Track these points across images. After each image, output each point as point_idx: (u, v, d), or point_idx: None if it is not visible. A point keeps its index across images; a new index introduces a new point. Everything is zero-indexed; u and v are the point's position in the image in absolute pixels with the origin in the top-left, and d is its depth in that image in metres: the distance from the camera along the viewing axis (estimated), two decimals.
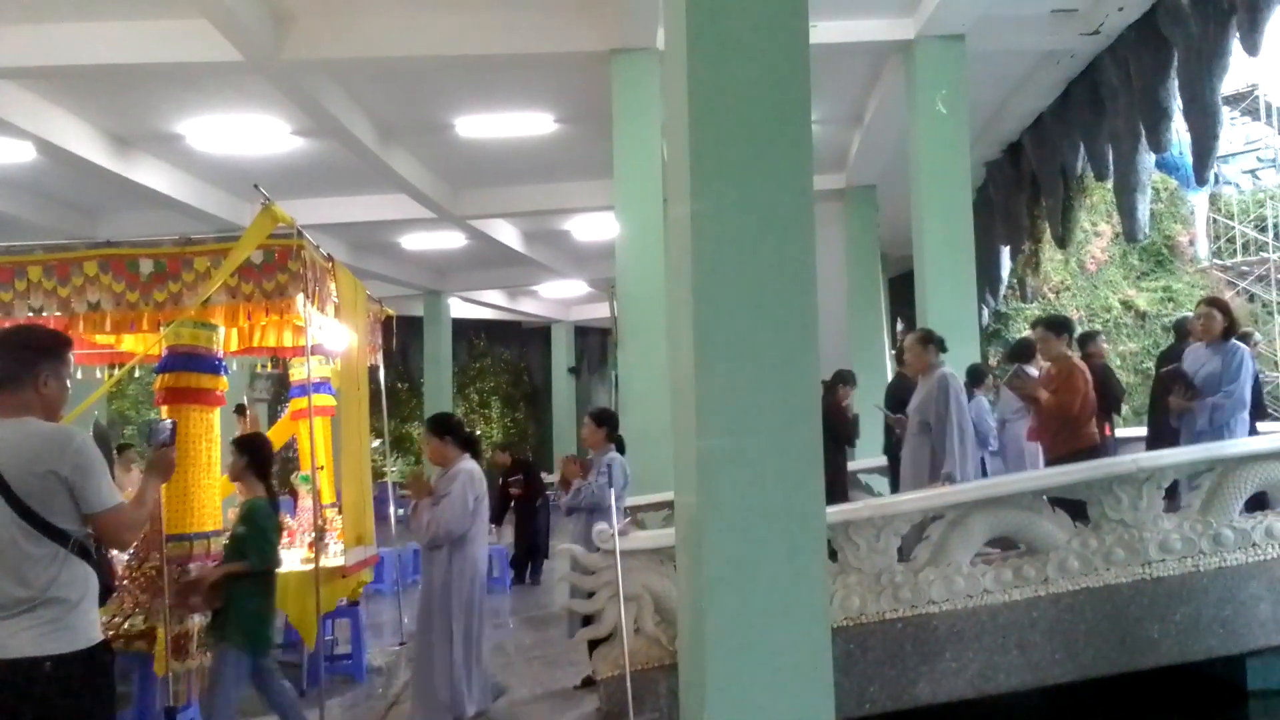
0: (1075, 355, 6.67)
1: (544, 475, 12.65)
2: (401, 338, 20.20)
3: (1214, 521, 5.18)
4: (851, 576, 5.07)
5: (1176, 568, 5.09)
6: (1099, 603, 5.04)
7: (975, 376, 8.18)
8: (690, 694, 4.09)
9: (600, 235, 14.60)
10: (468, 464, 5.38)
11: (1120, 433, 8.70)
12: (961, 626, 4.98)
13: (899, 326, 19.57)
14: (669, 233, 4.44)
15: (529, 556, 10.97)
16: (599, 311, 21.07)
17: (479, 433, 24.06)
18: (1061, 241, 13.45)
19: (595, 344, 25.51)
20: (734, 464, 3.86)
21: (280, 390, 17.87)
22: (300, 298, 5.39)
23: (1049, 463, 6.22)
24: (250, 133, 10.55)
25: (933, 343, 6.28)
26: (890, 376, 15.09)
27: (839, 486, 7.42)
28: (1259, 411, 7.33)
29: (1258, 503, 5.46)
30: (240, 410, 7.60)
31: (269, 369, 9.06)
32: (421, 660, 5.23)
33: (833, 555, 5.06)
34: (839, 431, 7.74)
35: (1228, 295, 19.83)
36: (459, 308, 21.42)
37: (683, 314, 4.11)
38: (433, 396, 20.22)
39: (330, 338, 6.44)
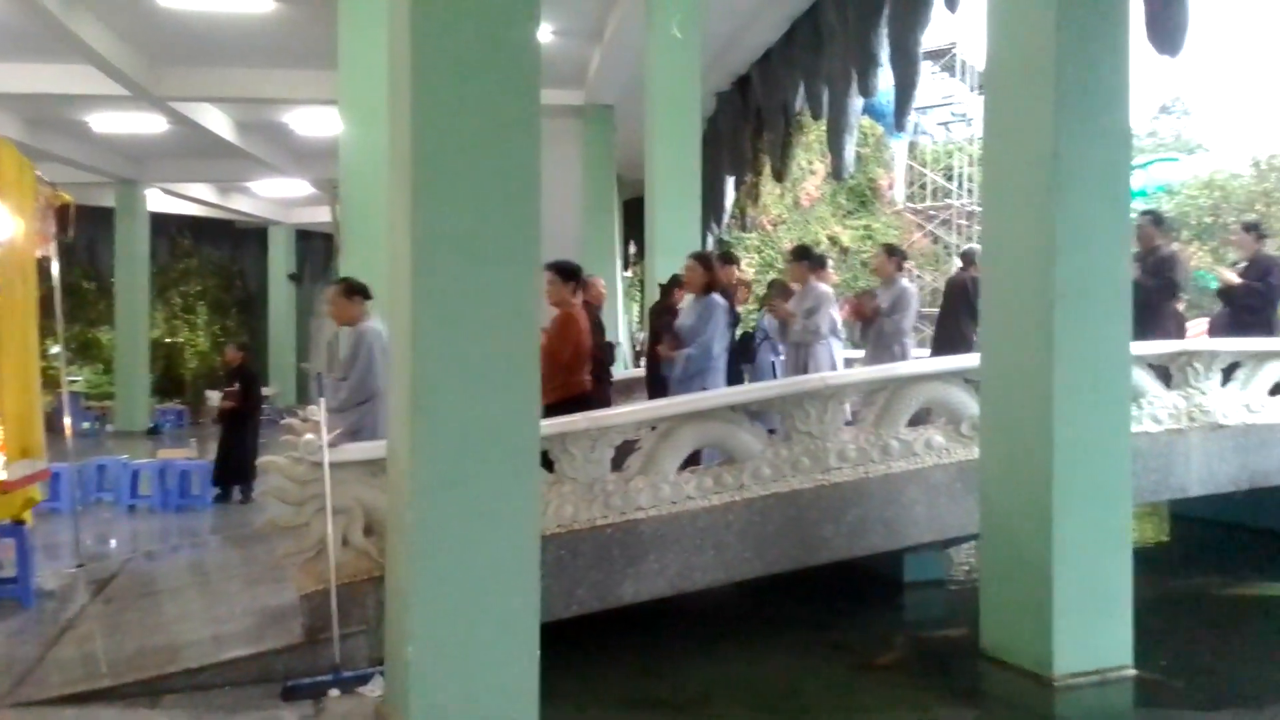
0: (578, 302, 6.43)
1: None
2: (87, 230, 17.97)
3: (884, 433, 5.81)
4: (566, 486, 5.21)
5: (851, 474, 5.67)
6: (785, 506, 5.53)
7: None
8: (395, 602, 4.06)
9: (324, 131, 13.66)
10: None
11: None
12: (665, 531, 5.28)
13: (632, 249, 20.11)
14: (391, 130, 4.22)
15: (238, 474, 10.15)
16: (323, 214, 19.86)
17: (182, 340, 22.19)
18: (779, 175, 14.30)
19: (319, 249, 24.05)
20: (449, 372, 3.80)
21: None
22: None
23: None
24: None
25: (357, 293, 5.91)
26: (621, 300, 15.55)
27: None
28: None
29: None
30: None
31: None
32: None
33: (550, 466, 5.17)
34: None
35: (916, 236, 22.15)
36: (159, 200, 19.36)
37: (401, 216, 3.95)
38: (126, 298, 18.27)
39: None
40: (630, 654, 5.30)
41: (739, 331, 7.71)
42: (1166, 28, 6.88)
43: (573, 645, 5.00)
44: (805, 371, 6.85)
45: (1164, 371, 6.54)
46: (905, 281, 7.49)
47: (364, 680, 4.54)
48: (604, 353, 7.18)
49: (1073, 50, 4.78)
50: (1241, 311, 7.61)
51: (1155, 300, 7.09)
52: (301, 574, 4.93)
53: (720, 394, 5.92)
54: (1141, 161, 21.08)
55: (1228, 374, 6.65)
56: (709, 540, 5.37)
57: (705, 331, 6.33)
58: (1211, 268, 12.22)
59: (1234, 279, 7.78)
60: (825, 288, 7.41)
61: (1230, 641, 5.73)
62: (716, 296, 6.50)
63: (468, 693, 3.76)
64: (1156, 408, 6.35)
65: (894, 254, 7.63)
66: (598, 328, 7.17)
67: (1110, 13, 4.89)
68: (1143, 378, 6.32)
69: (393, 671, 4.12)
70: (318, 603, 4.72)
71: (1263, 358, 6.72)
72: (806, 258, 7.44)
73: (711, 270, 6.55)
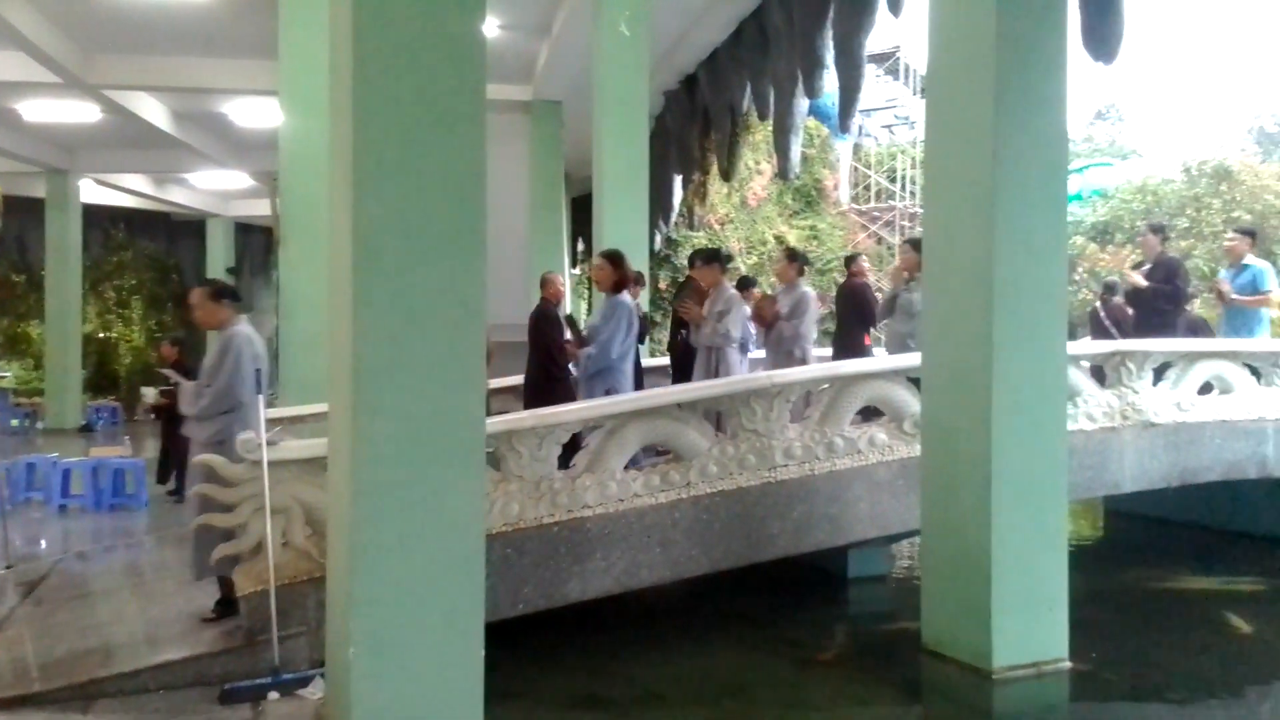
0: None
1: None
2: (17, 222, 17.44)
3: (828, 431, 5.87)
4: (513, 484, 5.17)
5: (796, 471, 5.72)
6: (731, 503, 5.55)
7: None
8: (337, 603, 3.99)
9: (263, 122, 13.37)
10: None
11: None
12: (611, 528, 5.27)
13: (580, 247, 20.04)
14: (332, 123, 4.14)
15: (180, 471, 9.95)
16: (263, 207, 19.43)
17: (115, 335, 21.57)
18: (726, 175, 14.36)
19: (258, 242, 23.50)
20: (391, 369, 3.74)
21: None
22: None
23: None
24: None
25: (225, 296, 5.53)
26: (570, 298, 15.48)
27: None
28: None
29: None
30: None
31: None
32: None
33: (496, 463, 5.13)
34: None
35: (860, 237, 22.43)
36: (92, 191, 18.78)
37: (343, 211, 3.88)
38: (57, 291, 17.69)
39: None
40: (577, 652, 5.28)
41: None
42: (1102, 36, 7.04)
43: (519, 644, 4.98)
44: (717, 374, 6.82)
45: (1098, 371, 6.71)
46: (806, 286, 7.56)
47: (304, 682, 4.46)
48: (563, 351, 7.16)
49: (1012, 57, 4.87)
50: (1151, 314, 7.80)
51: None
52: (240, 575, 4.82)
53: (668, 392, 5.93)
54: (1077, 166, 21.60)
55: (1159, 374, 6.85)
56: (656, 538, 5.38)
57: (605, 331, 6.33)
58: (1119, 270, 12.50)
59: (1141, 282, 7.96)
60: (735, 291, 7.43)
61: (1162, 634, 5.89)
62: (624, 296, 6.50)
63: (411, 694, 3.71)
64: (1091, 406, 6.52)
65: (795, 259, 7.63)
66: (556, 325, 7.14)
67: (1048, 21, 4.99)
68: (1078, 377, 6.48)
69: (334, 673, 4.05)
70: (256, 604, 4.63)
71: (1193, 358, 6.93)
72: (717, 260, 7.47)
73: (621, 269, 6.54)
